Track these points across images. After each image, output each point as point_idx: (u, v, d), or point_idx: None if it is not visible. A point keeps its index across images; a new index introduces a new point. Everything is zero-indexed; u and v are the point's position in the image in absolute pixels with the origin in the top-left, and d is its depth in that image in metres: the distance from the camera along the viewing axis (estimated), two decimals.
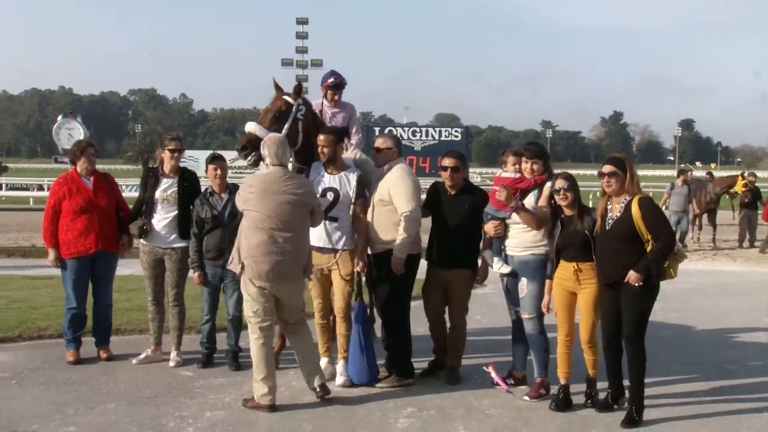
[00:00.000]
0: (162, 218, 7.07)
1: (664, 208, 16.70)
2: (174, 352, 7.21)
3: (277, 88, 6.90)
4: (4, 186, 38.71)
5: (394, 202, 6.50)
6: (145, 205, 7.12)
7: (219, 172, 7.05)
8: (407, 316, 6.80)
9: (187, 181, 7.19)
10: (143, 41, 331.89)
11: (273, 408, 5.95)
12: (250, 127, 6.62)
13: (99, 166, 7.44)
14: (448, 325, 6.95)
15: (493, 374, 6.50)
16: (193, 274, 7.14)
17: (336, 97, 7.52)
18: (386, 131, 25.35)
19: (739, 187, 18.68)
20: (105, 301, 7.32)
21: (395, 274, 6.52)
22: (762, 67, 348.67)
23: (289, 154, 6.43)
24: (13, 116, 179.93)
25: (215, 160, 7.21)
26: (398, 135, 26.76)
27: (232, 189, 6.98)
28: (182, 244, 7.11)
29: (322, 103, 7.53)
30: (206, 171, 7.23)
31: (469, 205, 6.63)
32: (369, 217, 6.62)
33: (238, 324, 7.13)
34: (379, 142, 6.80)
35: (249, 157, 6.57)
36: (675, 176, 25.54)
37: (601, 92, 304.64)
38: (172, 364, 7.12)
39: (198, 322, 7.58)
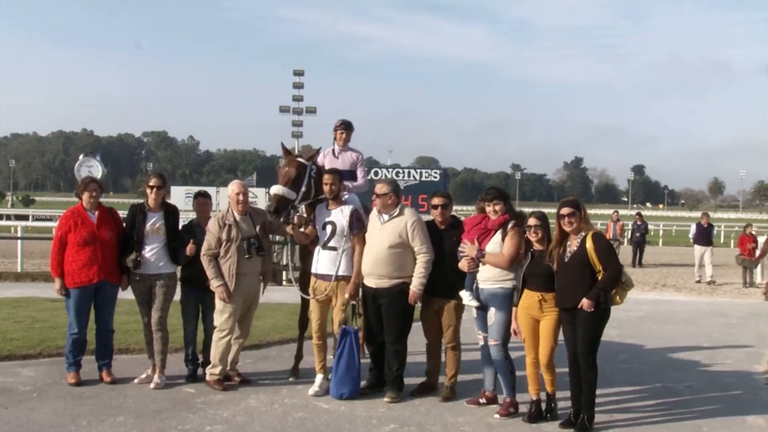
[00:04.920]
0: (152, 248, 6.97)
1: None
2: (156, 374, 7.00)
3: (286, 152, 7.18)
4: (31, 217, 38.33)
5: (413, 244, 6.59)
6: (137, 239, 6.97)
7: (205, 207, 7.30)
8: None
9: (172, 213, 7.17)
10: (157, 89, 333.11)
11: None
12: (278, 190, 6.81)
13: (114, 200, 7.43)
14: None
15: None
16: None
17: (344, 136, 7.77)
18: (383, 177, 25.23)
19: None
20: (107, 327, 7.13)
21: (403, 304, 6.61)
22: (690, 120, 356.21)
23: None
24: (41, 155, 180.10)
25: (202, 196, 7.40)
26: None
27: None
28: (170, 270, 7.08)
29: (333, 145, 7.77)
30: (193, 205, 7.39)
31: (456, 238, 6.64)
32: (382, 255, 6.59)
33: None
34: (383, 189, 6.76)
35: (281, 218, 6.85)
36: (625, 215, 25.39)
37: (562, 139, 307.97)
38: (152, 386, 6.89)
39: (182, 343, 7.43)
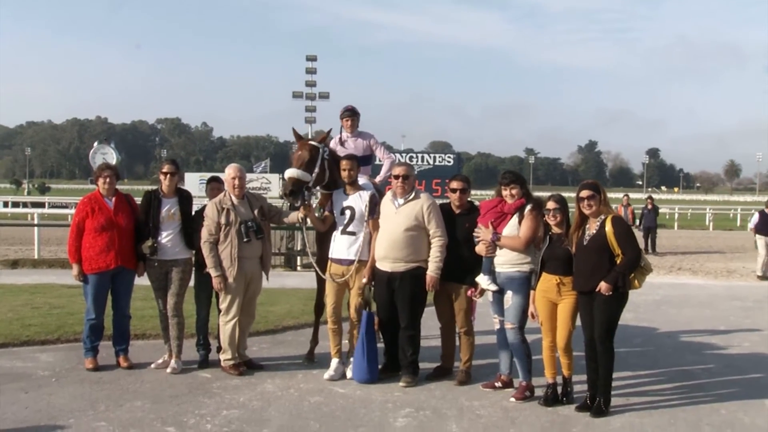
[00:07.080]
0: (167, 234, 6.99)
1: None
2: (173, 359, 7.05)
3: (298, 136, 7.11)
4: (47, 204, 38.56)
5: (428, 228, 6.56)
6: (152, 225, 6.98)
7: (219, 192, 7.13)
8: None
9: (186, 199, 7.19)
10: (170, 76, 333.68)
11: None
12: (293, 173, 6.77)
13: (128, 187, 7.44)
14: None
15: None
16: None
17: (350, 123, 7.74)
18: (396, 161, 25.08)
19: None
20: (123, 313, 7.19)
21: (417, 288, 6.59)
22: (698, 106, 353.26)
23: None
24: (56, 142, 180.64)
25: (215, 181, 7.41)
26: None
27: None
28: (185, 256, 7.11)
29: (341, 132, 7.74)
30: (206, 190, 7.43)
31: (470, 223, 6.60)
32: (398, 239, 6.56)
33: None
34: (404, 171, 6.75)
35: (297, 200, 6.78)
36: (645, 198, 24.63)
37: (572, 123, 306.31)
38: (169, 371, 6.95)
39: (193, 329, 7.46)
